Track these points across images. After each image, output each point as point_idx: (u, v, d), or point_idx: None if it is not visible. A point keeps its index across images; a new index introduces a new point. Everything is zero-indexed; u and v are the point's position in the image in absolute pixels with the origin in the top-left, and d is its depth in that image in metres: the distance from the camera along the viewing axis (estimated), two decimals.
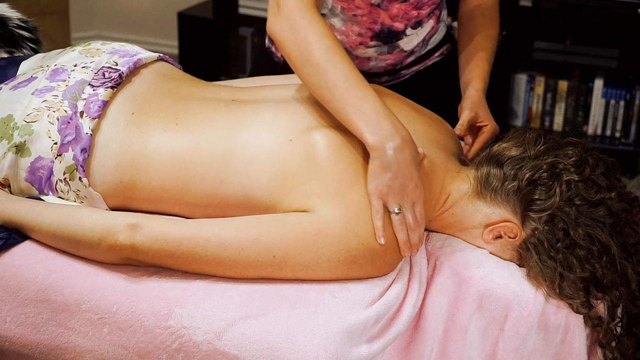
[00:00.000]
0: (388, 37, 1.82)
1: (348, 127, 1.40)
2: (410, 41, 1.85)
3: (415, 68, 1.94)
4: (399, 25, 1.80)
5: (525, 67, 3.41)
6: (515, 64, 3.41)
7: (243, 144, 1.44)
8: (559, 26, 3.46)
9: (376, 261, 1.36)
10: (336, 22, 1.80)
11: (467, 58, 1.80)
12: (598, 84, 3.32)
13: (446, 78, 1.80)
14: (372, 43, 1.82)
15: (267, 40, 1.99)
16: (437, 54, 1.96)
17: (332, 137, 1.40)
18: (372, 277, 1.37)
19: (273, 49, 1.96)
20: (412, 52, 1.89)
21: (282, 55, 1.91)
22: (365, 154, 1.40)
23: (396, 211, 1.36)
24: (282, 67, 1.91)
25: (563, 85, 3.37)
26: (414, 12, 1.79)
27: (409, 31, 1.82)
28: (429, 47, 1.93)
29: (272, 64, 1.95)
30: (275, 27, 1.49)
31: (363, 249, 1.35)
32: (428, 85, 1.65)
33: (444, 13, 1.93)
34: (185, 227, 1.36)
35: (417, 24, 1.83)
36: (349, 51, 1.83)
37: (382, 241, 1.35)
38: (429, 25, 1.86)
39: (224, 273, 1.35)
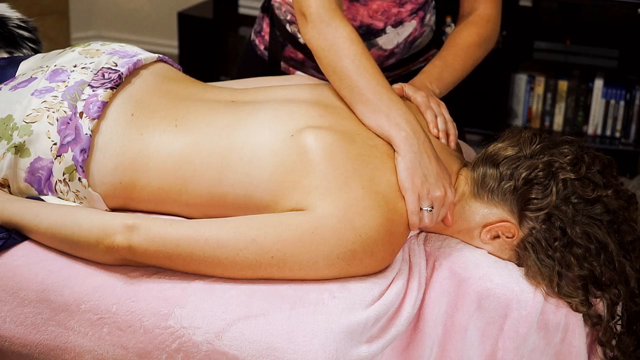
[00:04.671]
0: (366, 34, 1.81)
1: (375, 128, 1.46)
2: (390, 40, 1.83)
3: (398, 72, 1.91)
4: (378, 24, 1.79)
5: (525, 67, 3.41)
6: (515, 64, 3.41)
7: (242, 142, 1.44)
8: (559, 26, 3.46)
9: (376, 253, 1.36)
10: None
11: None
12: (598, 84, 3.32)
13: None
14: None
15: (252, 34, 1.99)
16: (421, 59, 1.93)
17: (325, 137, 1.41)
18: (372, 272, 1.38)
19: (257, 42, 1.96)
20: (392, 53, 1.86)
21: (264, 49, 1.92)
22: (357, 154, 1.41)
23: (428, 210, 1.40)
24: (266, 62, 1.91)
25: (563, 85, 3.37)
26: (395, 10, 1.78)
27: (388, 29, 1.81)
28: (412, 52, 1.90)
29: (256, 57, 1.95)
30: (306, 36, 1.55)
31: (361, 242, 1.35)
32: None
33: (430, 17, 1.90)
34: (183, 228, 1.36)
35: (398, 23, 1.81)
36: None
37: (415, 232, 1.42)
38: (410, 25, 1.84)
39: (222, 274, 1.35)
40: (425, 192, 1.40)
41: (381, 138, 1.46)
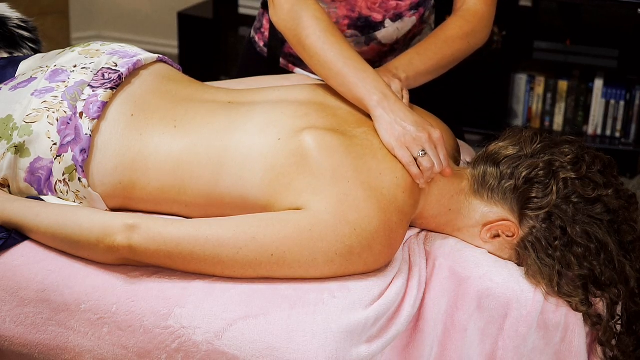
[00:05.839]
0: (365, 27, 1.81)
1: (349, 97, 1.52)
2: (390, 35, 1.83)
3: None
4: (377, 16, 1.79)
5: (525, 67, 3.41)
6: (515, 64, 3.41)
7: (236, 145, 1.45)
8: (559, 26, 3.46)
9: (373, 246, 1.36)
10: None
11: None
12: (598, 84, 3.31)
13: (429, 82, 1.75)
14: (349, 32, 1.81)
15: (252, 31, 2.00)
16: None
17: (320, 136, 1.42)
18: (373, 268, 1.38)
19: (256, 38, 1.96)
20: (392, 48, 1.86)
21: (264, 45, 1.92)
22: (351, 152, 1.41)
23: (420, 154, 1.42)
24: (265, 59, 1.92)
25: (563, 85, 3.37)
26: (393, 3, 1.78)
27: (387, 23, 1.81)
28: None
29: (256, 54, 1.96)
30: (274, 17, 1.61)
31: (357, 236, 1.35)
32: (410, 89, 1.64)
33: (430, 15, 1.89)
34: (184, 227, 1.36)
35: (397, 17, 1.81)
36: None
37: (423, 184, 1.43)
38: (410, 21, 1.84)
39: (222, 273, 1.35)
40: (410, 140, 1.43)
41: (363, 126, 1.48)
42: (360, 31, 1.81)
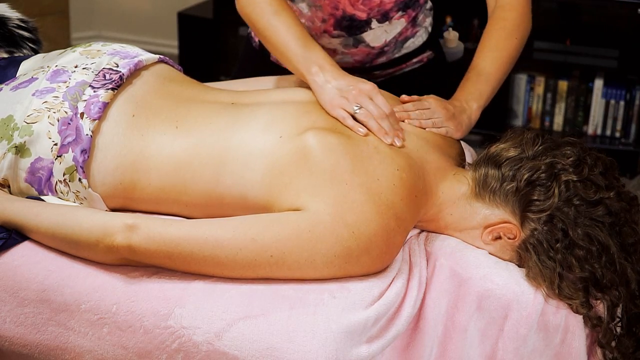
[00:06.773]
0: (351, 28, 1.81)
1: (298, 74, 1.59)
2: (377, 37, 1.83)
3: (390, 71, 1.90)
4: (361, 14, 1.79)
5: (525, 67, 3.41)
6: (516, 64, 3.41)
7: (238, 144, 1.45)
8: (559, 26, 3.46)
9: (372, 250, 1.36)
10: (303, 7, 1.81)
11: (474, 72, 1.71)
12: (598, 84, 3.32)
13: (425, 86, 1.73)
14: (335, 32, 1.81)
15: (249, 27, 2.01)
16: (415, 60, 1.91)
17: (322, 136, 1.42)
18: (371, 271, 1.37)
19: (252, 34, 1.98)
20: (382, 51, 1.86)
21: (259, 41, 1.93)
22: (349, 152, 1.41)
23: (355, 109, 1.48)
24: (259, 51, 1.93)
25: (563, 85, 3.38)
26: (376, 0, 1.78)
27: (374, 24, 1.80)
28: (404, 51, 1.89)
29: (253, 51, 1.97)
30: (237, 5, 1.71)
31: (355, 238, 1.35)
32: (405, 92, 1.62)
33: (425, 18, 1.88)
34: (183, 227, 1.36)
35: (384, 18, 1.80)
36: (314, 39, 1.78)
37: (362, 131, 1.46)
38: (399, 23, 1.83)
39: (222, 273, 1.35)
40: (344, 101, 1.49)
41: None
42: (347, 32, 1.81)
